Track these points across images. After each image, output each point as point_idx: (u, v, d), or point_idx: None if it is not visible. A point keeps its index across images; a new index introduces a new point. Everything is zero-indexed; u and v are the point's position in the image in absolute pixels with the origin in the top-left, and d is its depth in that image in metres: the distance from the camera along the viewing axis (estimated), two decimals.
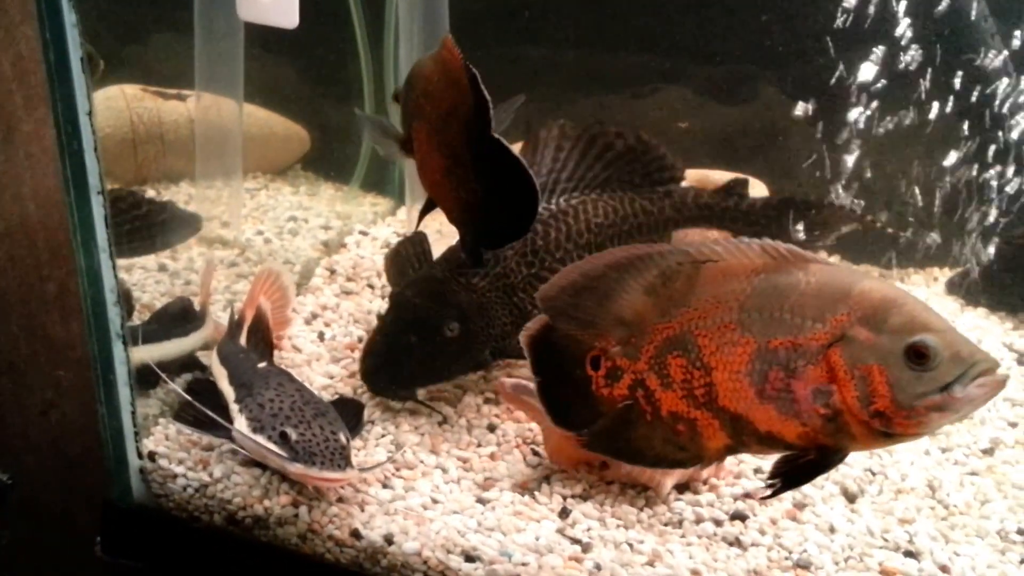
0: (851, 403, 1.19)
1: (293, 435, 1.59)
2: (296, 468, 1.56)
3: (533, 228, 1.91)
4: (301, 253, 2.57)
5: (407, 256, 2.15)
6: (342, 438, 1.61)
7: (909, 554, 1.59)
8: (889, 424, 1.18)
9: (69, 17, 1.40)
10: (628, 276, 1.30)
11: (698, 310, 1.27)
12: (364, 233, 2.75)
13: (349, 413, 1.78)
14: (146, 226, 2.17)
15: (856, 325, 1.19)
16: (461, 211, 1.83)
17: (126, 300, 1.70)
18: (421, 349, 1.85)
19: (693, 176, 2.54)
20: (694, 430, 1.30)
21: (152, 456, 1.75)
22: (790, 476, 1.29)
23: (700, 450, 1.32)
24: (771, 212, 2.03)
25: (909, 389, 1.16)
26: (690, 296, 1.27)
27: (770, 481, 1.30)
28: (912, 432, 1.20)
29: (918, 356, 1.16)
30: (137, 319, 2.09)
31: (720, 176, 2.54)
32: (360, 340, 2.17)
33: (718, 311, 1.26)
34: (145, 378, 1.79)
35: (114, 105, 2.59)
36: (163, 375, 1.75)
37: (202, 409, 1.68)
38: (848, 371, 1.19)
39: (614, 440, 1.35)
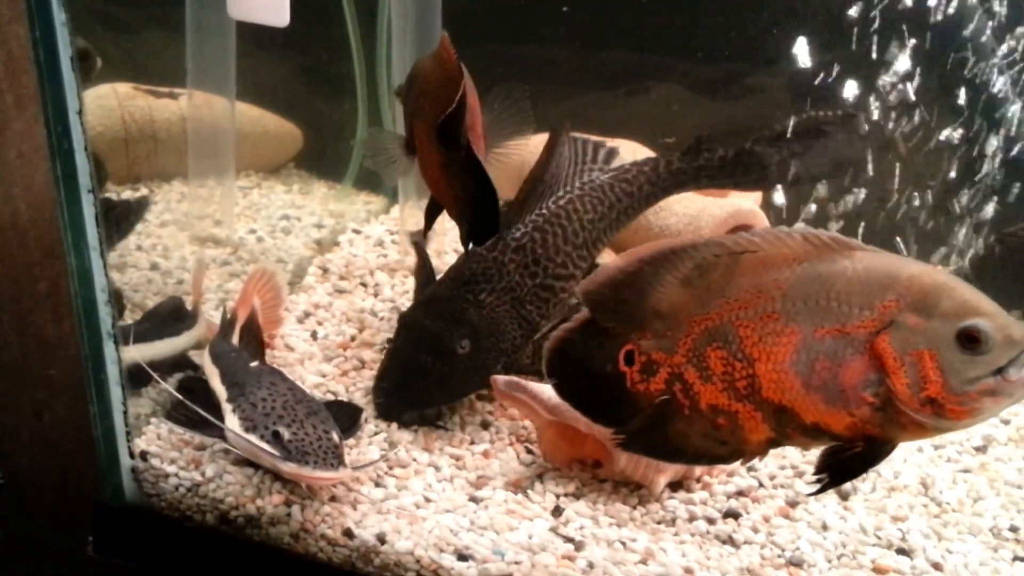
0: (901, 391, 1.16)
1: (286, 434, 1.58)
2: (289, 467, 1.56)
3: (531, 236, 1.92)
4: (294, 252, 2.56)
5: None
6: (335, 437, 1.61)
7: (902, 551, 1.59)
8: (941, 411, 1.16)
9: (59, 16, 1.39)
10: (663, 270, 1.28)
11: (738, 301, 1.25)
12: (357, 231, 2.74)
13: (345, 416, 1.78)
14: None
15: (906, 311, 1.16)
16: (458, 207, 1.84)
17: (117, 300, 1.69)
18: (434, 369, 1.84)
19: None
20: (735, 423, 1.27)
21: (144, 455, 1.74)
22: (837, 470, 1.25)
23: (741, 444, 1.29)
24: (745, 158, 1.99)
25: (962, 374, 1.14)
26: (729, 287, 1.25)
27: (817, 476, 1.26)
28: (964, 419, 1.17)
29: (970, 340, 1.13)
30: (129, 318, 2.09)
31: None
32: (353, 339, 2.17)
33: (759, 301, 1.23)
34: (137, 377, 1.79)
35: (106, 104, 2.58)
36: (154, 375, 1.75)
37: (194, 408, 1.68)
38: (898, 358, 1.16)
39: (651, 437, 1.32)
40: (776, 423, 1.25)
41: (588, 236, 1.95)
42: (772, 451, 1.78)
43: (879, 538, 1.61)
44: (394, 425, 1.87)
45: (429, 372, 1.84)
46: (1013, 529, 1.66)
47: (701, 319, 1.27)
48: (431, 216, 2.00)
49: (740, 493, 1.70)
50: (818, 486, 1.27)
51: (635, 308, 1.30)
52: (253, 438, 1.60)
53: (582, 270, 1.95)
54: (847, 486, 1.72)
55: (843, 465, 1.25)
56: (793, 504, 1.68)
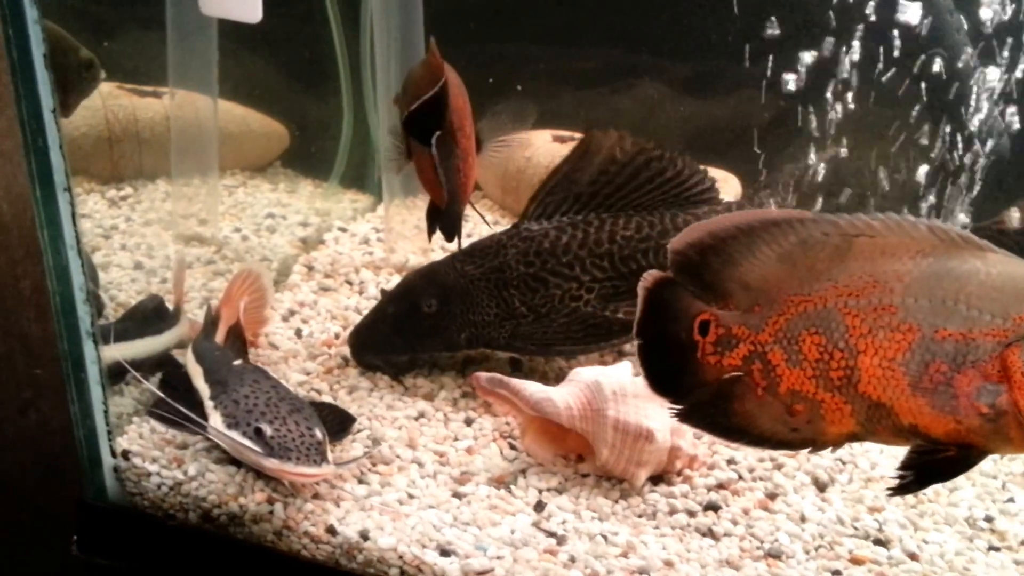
0: (1022, 406, 1.09)
1: (268, 431, 1.59)
2: (271, 463, 1.56)
3: (546, 231, 1.98)
4: (279, 250, 2.56)
5: None
6: (318, 434, 1.61)
7: (879, 542, 1.61)
8: None
9: (31, 13, 1.39)
10: (760, 241, 1.20)
11: (848, 287, 1.16)
12: (343, 230, 2.74)
13: (336, 420, 1.78)
14: None
15: None
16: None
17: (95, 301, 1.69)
18: (399, 319, 1.97)
19: None
20: (816, 413, 1.20)
21: (126, 455, 1.74)
22: (925, 471, 1.19)
23: (816, 434, 1.22)
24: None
25: None
26: (838, 271, 1.16)
27: (902, 473, 1.20)
28: None
29: None
30: (114, 318, 2.09)
31: None
32: (337, 336, 2.17)
33: (874, 291, 1.15)
34: (119, 375, 1.79)
35: (89, 103, 2.56)
36: (136, 374, 1.75)
37: (176, 406, 1.68)
38: None
39: (713, 414, 1.26)
40: (866, 419, 1.19)
41: (617, 250, 1.97)
42: None
43: (856, 529, 1.63)
44: (378, 420, 1.87)
45: (394, 321, 1.97)
46: (988, 519, 1.68)
47: (799, 300, 1.19)
48: (432, 219, 2.01)
49: (720, 486, 1.71)
50: (898, 484, 1.21)
51: (719, 276, 1.23)
52: (235, 435, 1.60)
53: (596, 278, 1.97)
54: (825, 477, 1.74)
55: (932, 467, 1.18)
56: (772, 496, 1.70)
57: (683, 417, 1.29)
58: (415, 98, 1.84)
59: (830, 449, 1.27)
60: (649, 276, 1.28)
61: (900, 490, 1.23)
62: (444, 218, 1.86)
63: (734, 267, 1.22)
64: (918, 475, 1.20)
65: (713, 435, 1.41)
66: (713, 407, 1.26)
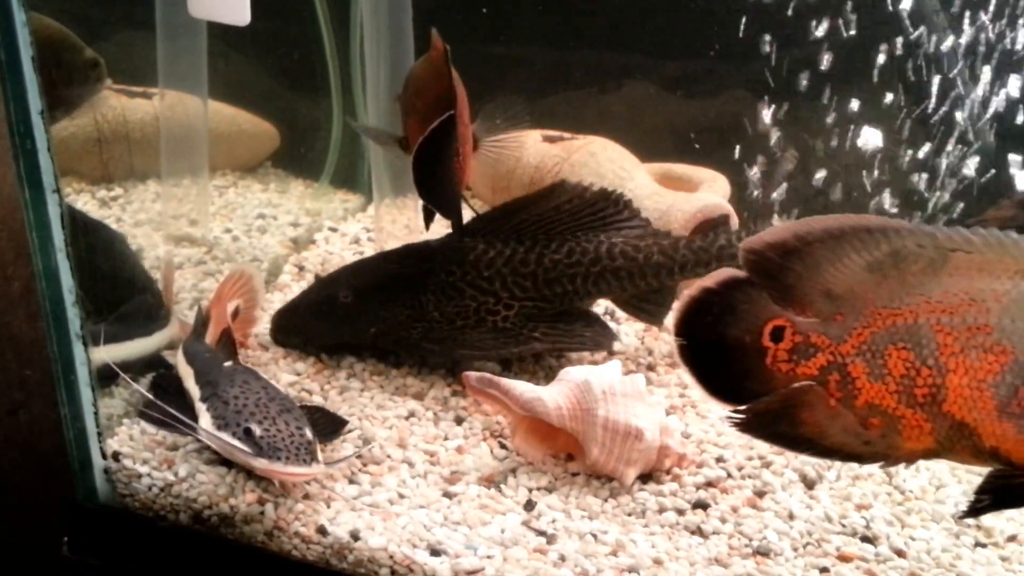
0: None
1: (257, 431, 1.59)
2: (261, 463, 1.57)
3: (474, 245, 2.01)
4: (269, 250, 2.56)
5: None
6: (307, 433, 1.62)
7: (866, 539, 1.62)
8: None
9: (19, 16, 1.38)
10: (849, 248, 1.14)
11: (942, 303, 1.12)
12: (334, 230, 2.75)
13: (328, 424, 1.79)
14: None
15: None
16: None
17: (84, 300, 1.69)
18: (315, 306, 2.07)
19: (656, 170, 2.57)
20: (893, 428, 1.17)
21: (117, 456, 1.74)
22: (1003, 495, 1.17)
23: (891, 449, 1.19)
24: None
25: None
26: (931, 285, 1.12)
27: (979, 496, 1.18)
28: None
29: None
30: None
31: (682, 170, 2.57)
32: None
33: (970, 309, 1.11)
34: (108, 376, 1.79)
35: None
36: (126, 377, 1.75)
37: (166, 408, 1.68)
38: None
39: (779, 422, 1.21)
40: (946, 437, 1.16)
41: (543, 273, 1.98)
42: (740, 441, 1.84)
43: (844, 526, 1.65)
44: (368, 420, 1.88)
45: (312, 308, 2.08)
46: None
47: (888, 313, 1.15)
48: (429, 211, 2.04)
49: (709, 484, 1.72)
50: (972, 507, 1.19)
51: (802, 282, 1.17)
52: (225, 436, 1.60)
53: (516, 296, 1.99)
54: (813, 475, 1.75)
55: (1010, 492, 1.16)
56: (761, 494, 1.71)
57: (744, 425, 1.25)
58: (415, 91, 1.87)
59: (903, 464, 1.24)
60: (716, 275, 1.23)
61: (973, 512, 1.21)
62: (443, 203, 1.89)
63: (818, 273, 1.17)
64: (995, 499, 1.18)
65: (776, 444, 1.34)
66: (779, 416, 1.22)
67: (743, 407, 1.23)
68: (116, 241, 2.18)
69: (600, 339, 2.03)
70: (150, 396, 1.72)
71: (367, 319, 2.02)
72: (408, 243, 2.13)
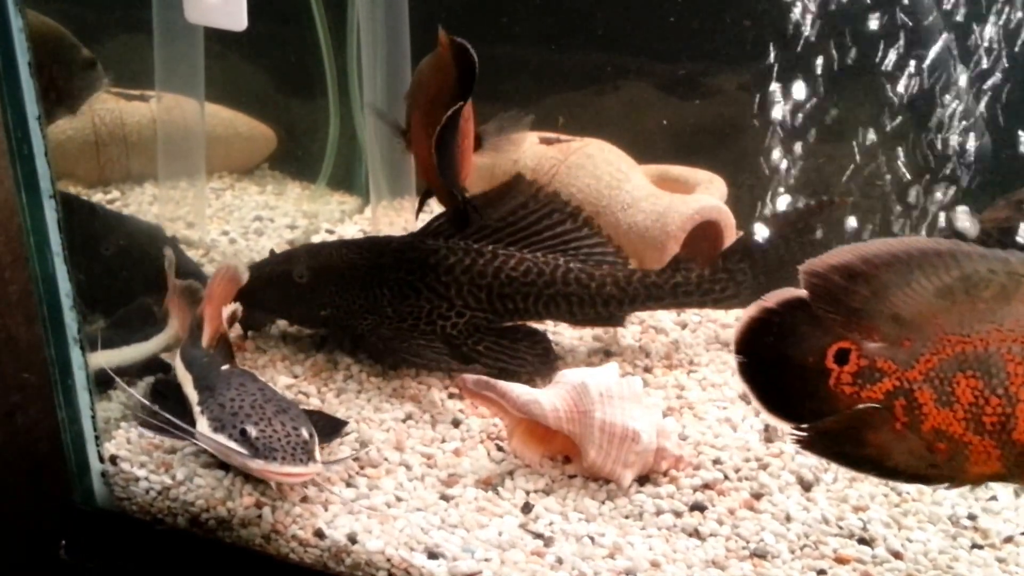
0: None
1: (253, 432, 1.59)
2: (257, 464, 1.56)
3: (436, 247, 2.04)
4: (266, 253, 2.56)
5: None
6: (304, 433, 1.62)
7: (863, 541, 1.62)
8: None
9: (16, 21, 1.39)
10: (919, 272, 1.12)
11: (1014, 332, 1.10)
12: (331, 232, 2.75)
13: (328, 426, 1.79)
14: None
15: None
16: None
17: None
18: (271, 280, 2.08)
19: (653, 172, 2.57)
20: (960, 453, 1.16)
21: (114, 460, 1.74)
22: None
23: (957, 473, 1.18)
24: (721, 275, 2.05)
25: None
26: (1003, 313, 1.09)
27: None
28: None
29: None
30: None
31: (679, 171, 2.58)
32: (324, 339, 2.18)
33: None
34: (107, 380, 1.79)
35: None
36: (123, 384, 1.75)
37: (163, 413, 1.68)
38: None
39: (843, 443, 1.20)
40: (1014, 463, 1.15)
41: (498, 287, 2.01)
42: (737, 444, 1.84)
43: (841, 528, 1.65)
44: (366, 423, 1.88)
45: (267, 281, 2.08)
46: (971, 517, 1.69)
47: (957, 340, 1.12)
48: (423, 200, 2.08)
49: (706, 486, 1.72)
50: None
51: (868, 305, 1.15)
52: (221, 438, 1.60)
53: (469, 305, 2.02)
54: (810, 477, 1.75)
55: None
56: (758, 496, 1.71)
57: (807, 444, 1.23)
58: (419, 85, 1.89)
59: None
60: (777, 296, 1.21)
61: None
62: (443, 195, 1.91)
63: (885, 297, 1.15)
64: None
65: (839, 464, 1.33)
66: (843, 436, 1.20)
67: (806, 426, 1.21)
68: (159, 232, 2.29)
69: (541, 365, 2.03)
70: (147, 403, 1.72)
71: (321, 302, 2.04)
72: (371, 235, 2.14)
